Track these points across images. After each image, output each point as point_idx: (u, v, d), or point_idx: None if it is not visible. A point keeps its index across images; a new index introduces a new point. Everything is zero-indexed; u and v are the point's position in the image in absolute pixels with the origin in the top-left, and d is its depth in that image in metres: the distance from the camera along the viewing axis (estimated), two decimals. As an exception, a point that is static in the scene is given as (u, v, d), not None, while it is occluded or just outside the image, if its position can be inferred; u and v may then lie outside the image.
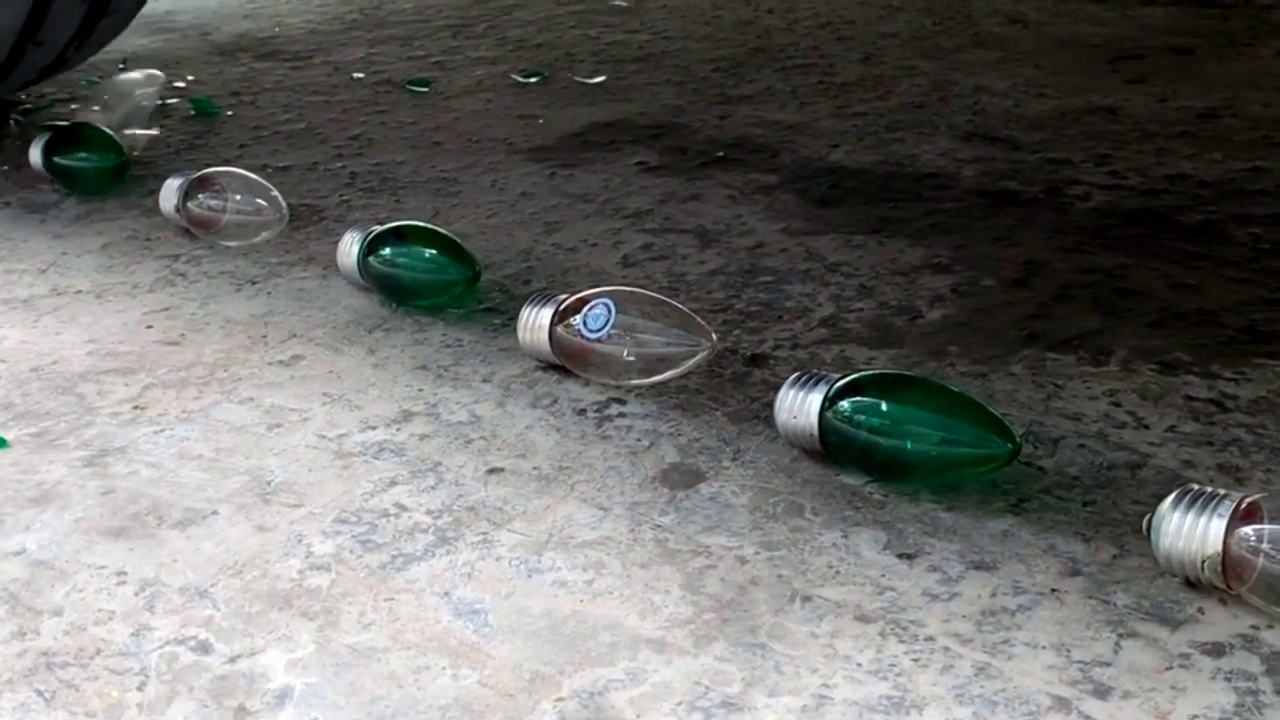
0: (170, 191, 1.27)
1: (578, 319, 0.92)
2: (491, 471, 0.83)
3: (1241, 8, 2.03)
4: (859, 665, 0.64)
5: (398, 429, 0.89)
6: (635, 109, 1.68)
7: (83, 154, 1.41)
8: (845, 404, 0.79)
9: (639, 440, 0.86)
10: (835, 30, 2.07)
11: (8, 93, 1.56)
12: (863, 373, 0.83)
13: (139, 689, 0.65)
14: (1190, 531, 0.66)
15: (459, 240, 1.07)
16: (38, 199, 1.40)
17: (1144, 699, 0.61)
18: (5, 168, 1.49)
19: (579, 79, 1.85)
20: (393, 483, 0.82)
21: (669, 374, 0.92)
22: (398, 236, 1.08)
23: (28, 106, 1.75)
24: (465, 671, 0.65)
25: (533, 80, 1.86)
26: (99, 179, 1.40)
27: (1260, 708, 0.60)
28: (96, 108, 1.66)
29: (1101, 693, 0.62)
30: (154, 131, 1.63)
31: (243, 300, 1.12)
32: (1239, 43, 1.84)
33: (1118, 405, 0.87)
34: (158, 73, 1.72)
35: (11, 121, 1.61)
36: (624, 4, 2.37)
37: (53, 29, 1.39)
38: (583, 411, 0.90)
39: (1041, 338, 0.98)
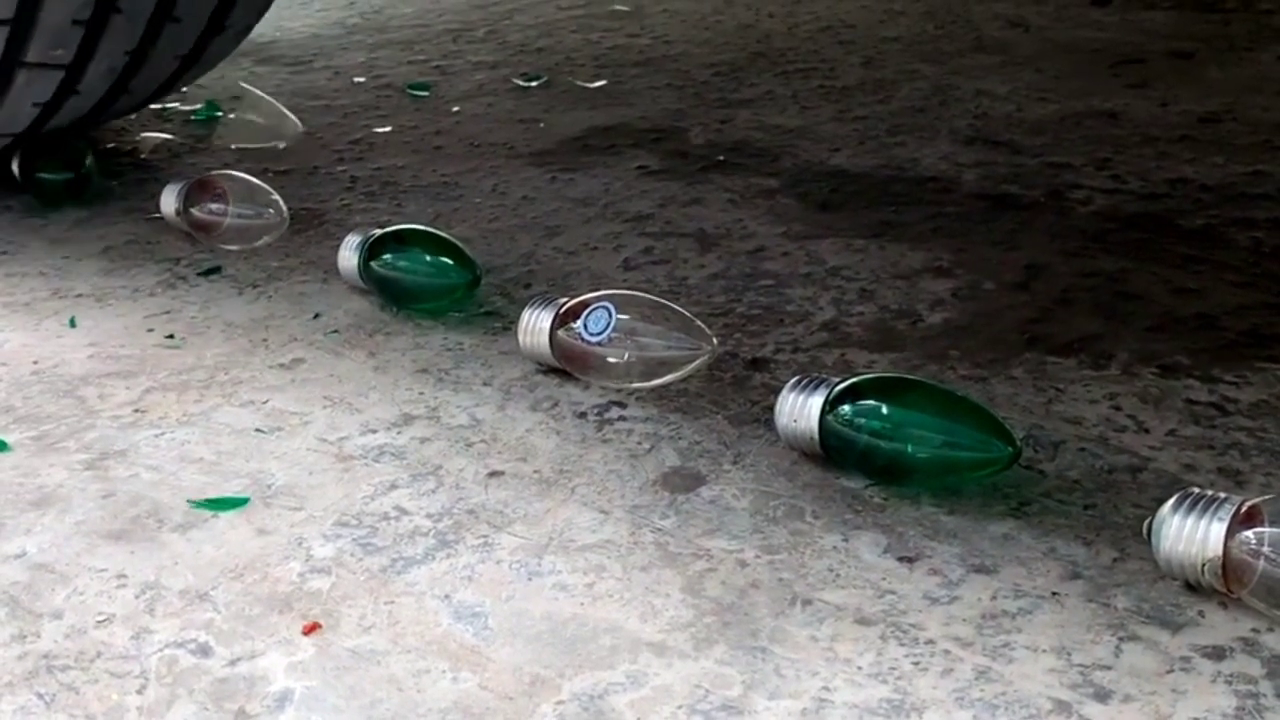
0: (171, 195, 1.27)
1: (578, 322, 0.92)
2: (492, 475, 0.83)
3: (1242, 12, 2.03)
4: (859, 668, 0.64)
5: (398, 432, 0.89)
6: (636, 113, 1.68)
7: (49, 166, 1.40)
8: (846, 407, 0.79)
9: (639, 443, 0.86)
10: (836, 34, 2.07)
11: (118, 116, 1.43)
12: (863, 376, 0.83)
13: (139, 692, 0.65)
14: (1191, 535, 0.66)
15: (460, 244, 1.07)
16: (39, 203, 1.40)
17: (1144, 702, 0.61)
18: None
19: (580, 83, 1.85)
20: (393, 486, 0.82)
21: (669, 377, 0.92)
22: (398, 240, 1.08)
23: None
24: (465, 675, 0.65)
25: (533, 84, 1.86)
26: (56, 192, 1.40)
27: (1261, 711, 0.60)
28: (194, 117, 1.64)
29: (1102, 696, 0.62)
30: (165, 136, 1.62)
31: (243, 304, 1.12)
32: (1239, 47, 1.84)
33: (1118, 409, 0.87)
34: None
35: None
36: (624, 8, 2.37)
37: (165, 48, 1.27)
38: (583, 415, 0.90)
39: (1042, 341, 0.98)
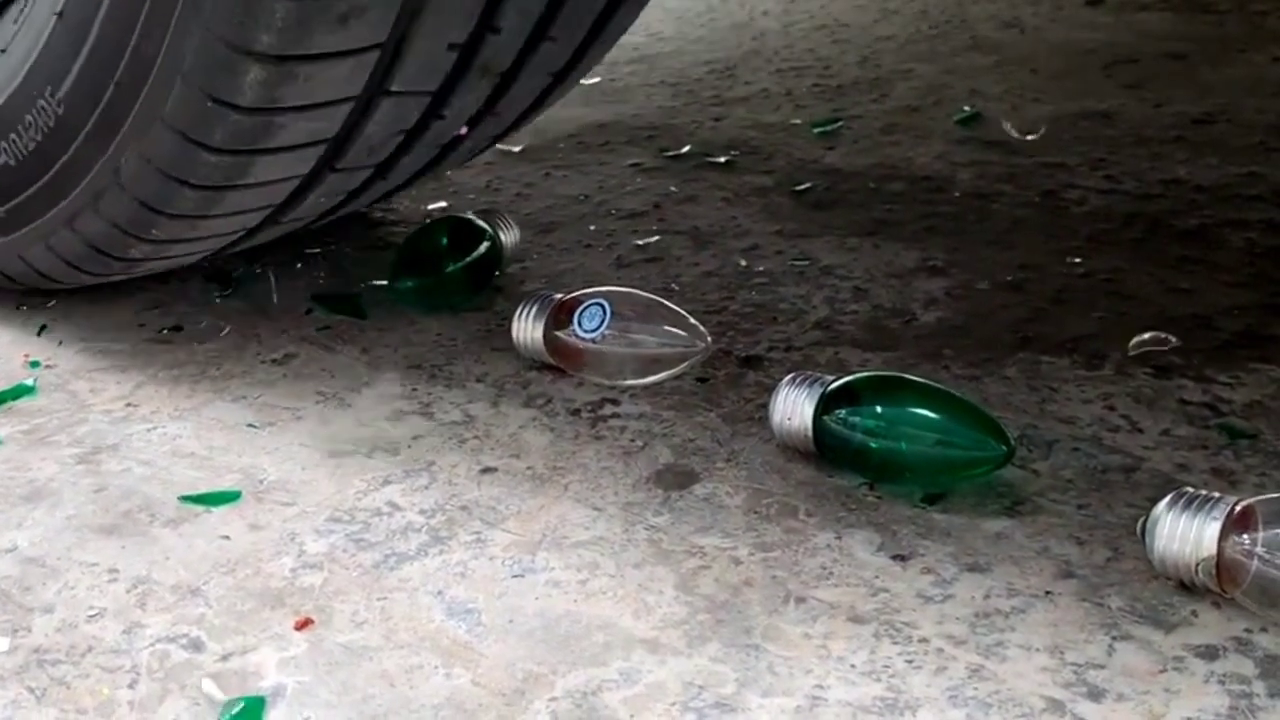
0: None
1: (572, 319, 0.92)
2: (485, 471, 0.83)
3: (1236, 13, 2.03)
4: (852, 666, 0.64)
5: (391, 428, 0.88)
6: (630, 110, 1.68)
7: None
8: (840, 406, 0.79)
9: (633, 441, 0.86)
10: (831, 33, 2.07)
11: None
12: (857, 375, 0.82)
13: (130, 686, 0.65)
14: (1184, 534, 0.66)
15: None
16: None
17: (1137, 701, 0.61)
18: None
19: (574, 80, 1.85)
20: (386, 481, 0.82)
21: (663, 375, 0.91)
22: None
23: None
24: (458, 671, 0.65)
25: (528, 81, 1.86)
26: None
27: (1254, 710, 0.60)
28: None
29: (1095, 695, 0.62)
30: None
31: (235, 299, 1.11)
32: (1234, 48, 1.84)
33: (1112, 409, 0.87)
34: None
35: None
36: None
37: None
38: (576, 411, 0.90)
39: (1036, 341, 0.98)
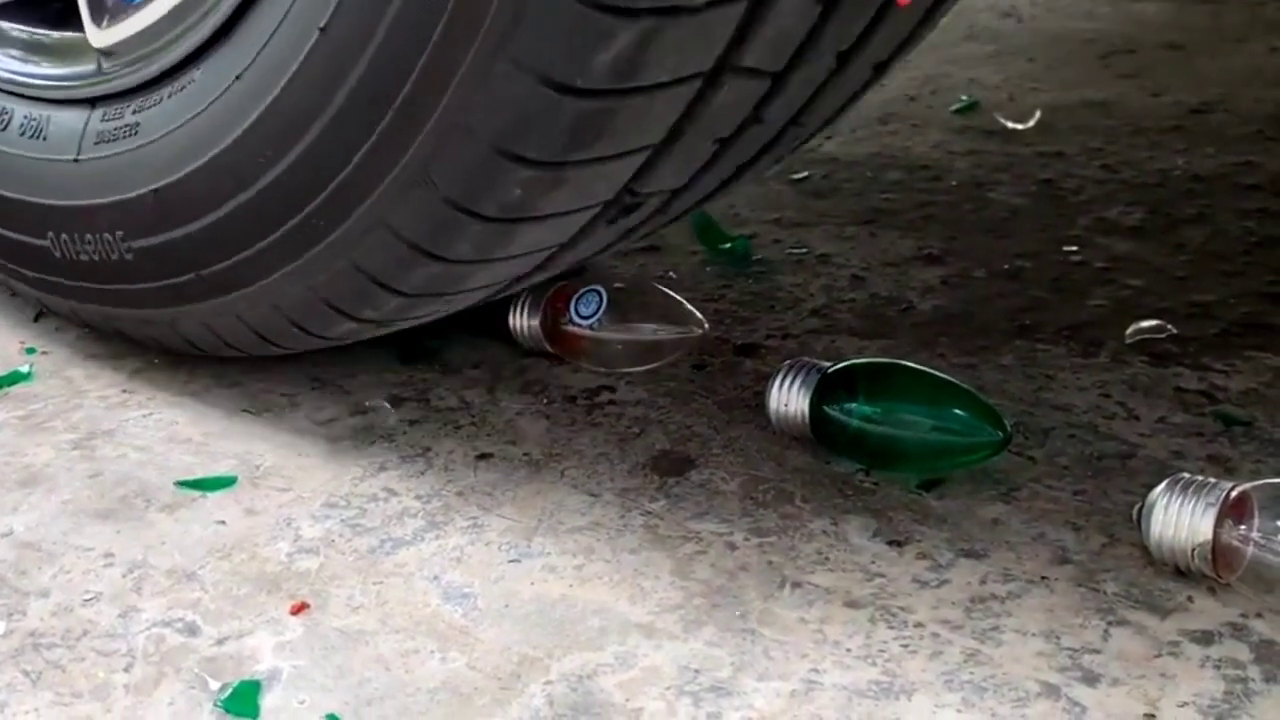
0: None
1: (569, 306, 0.92)
2: (481, 457, 0.83)
3: (1233, 3, 2.03)
4: (848, 651, 0.64)
5: (387, 414, 0.88)
6: (628, 99, 1.67)
7: None
8: (836, 393, 0.79)
9: (629, 427, 0.86)
10: (828, 23, 2.07)
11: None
12: (854, 361, 0.83)
13: (126, 670, 0.65)
14: (1180, 520, 0.66)
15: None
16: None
17: (1133, 686, 0.61)
18: None
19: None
20: (382, 467, 0.82)
21: (660, 361, 0.91)
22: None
23: None
24: (454, 654, 0.65)
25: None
26: None
27: (1249, 695, 0.60)
28: None
29: (1090, 680, 0.62)
30: None
31: (233, 285, 1.11)
32: (1231, 38, 1.84)
33: (1108, 396, 0.87)
34: None
35: None
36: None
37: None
38: (573, 398, 0.90)
39: (1033, 329, 0.98)
